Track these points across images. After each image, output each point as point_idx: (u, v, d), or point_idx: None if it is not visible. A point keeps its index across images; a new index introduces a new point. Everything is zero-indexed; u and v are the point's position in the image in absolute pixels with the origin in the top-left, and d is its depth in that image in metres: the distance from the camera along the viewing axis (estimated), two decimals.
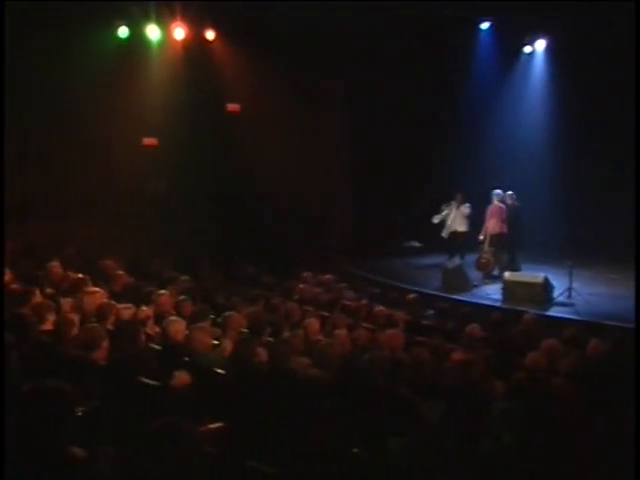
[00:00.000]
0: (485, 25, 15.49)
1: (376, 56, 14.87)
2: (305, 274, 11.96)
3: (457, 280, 13.12)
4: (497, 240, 13.84)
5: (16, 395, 3.23)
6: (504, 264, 13.73)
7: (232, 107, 15.00)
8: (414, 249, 16.63)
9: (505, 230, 13.89)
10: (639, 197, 13.33)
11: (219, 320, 7.45)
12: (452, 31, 14.69)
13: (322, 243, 15.48)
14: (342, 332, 7.48)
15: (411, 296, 11.04)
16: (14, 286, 7.33)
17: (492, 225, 13.91)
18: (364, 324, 8.68)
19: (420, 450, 4.07)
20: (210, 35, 14.40)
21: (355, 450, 3.96)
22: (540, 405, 4.59)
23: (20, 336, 5.20)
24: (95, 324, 6.10)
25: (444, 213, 14.64)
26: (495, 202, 14.00)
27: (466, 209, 14.51)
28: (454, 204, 14.60)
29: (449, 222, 14.69)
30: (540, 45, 15.97)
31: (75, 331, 5.80)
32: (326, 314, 9.10)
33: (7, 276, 7.78)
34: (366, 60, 14.93)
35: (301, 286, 10.97)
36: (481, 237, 14.07)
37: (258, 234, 14.66)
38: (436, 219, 14.66)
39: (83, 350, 5.55)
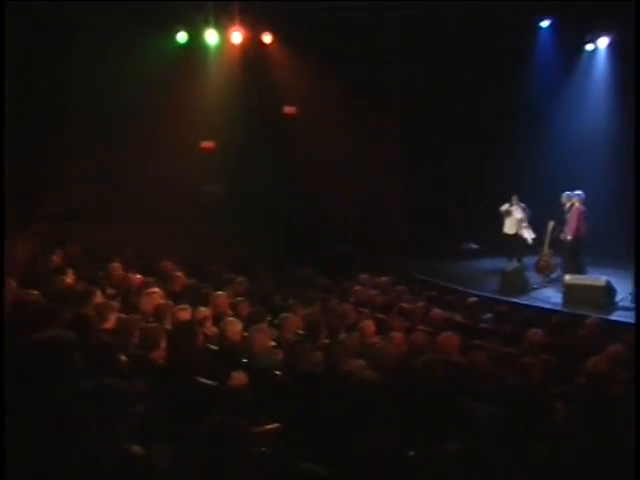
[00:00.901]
0: (545, 23, 15.21)
1: (434, 56, 14.76)
2: (361, 276, 11.94)
3: (516, 283, 12.93)
4: (573, 243, 13.41)
5: (78, 393, 3.30)
6: (569, 267, 13.31)
7: (289, 110, 15.07)
8: (472, 251, 16.45)
9: (584, 232, 13.44)
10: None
11: (275, 322, 7.49)
12: (512, 30, 14.48)
13: (378, 245, 15.42)
14: (398, 335, 7.44)
15: (469, 299, 10.92)
16: (77, 286, 7.49)
17: (573, 227, 13.43)
18: (420, 327, 8.62)
19: (477, 455, 4.02)
20: (267, 38, 14.50)
21: (411, 453, 3.94)
22: (601, 411, 4.49)
23: (82, 335, 5.31)
24: (154, 324, 6.20)
25: (505, 209, 14.50)
26: (576, 204, 13.51)
27: (521, 211, 14.28)
28: (512, 205, 14.40)
29: (508, 224, 14.50)
30: (603, 43, 15.57)
31: (135, 331, 5.89)
32: (382, 316, 9.06)
33: (70, 277, 7.96)
34: (424, 60, 14.84)
35: (357, 288, 10.95)
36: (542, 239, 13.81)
37: (314, 236, 14.69)
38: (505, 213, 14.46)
39: (142, 350, 5.65)
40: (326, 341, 7.07)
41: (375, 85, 15.37)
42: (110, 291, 8.10)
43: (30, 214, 11.98)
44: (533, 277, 13.45)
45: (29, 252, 9.22)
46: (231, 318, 7.15)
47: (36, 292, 6.04)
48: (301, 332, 7.20)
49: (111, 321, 6.27)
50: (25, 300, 5.72)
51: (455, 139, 15.95)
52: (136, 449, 3.28)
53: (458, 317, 9.54)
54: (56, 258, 8.93)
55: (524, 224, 14.50)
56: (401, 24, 13.92)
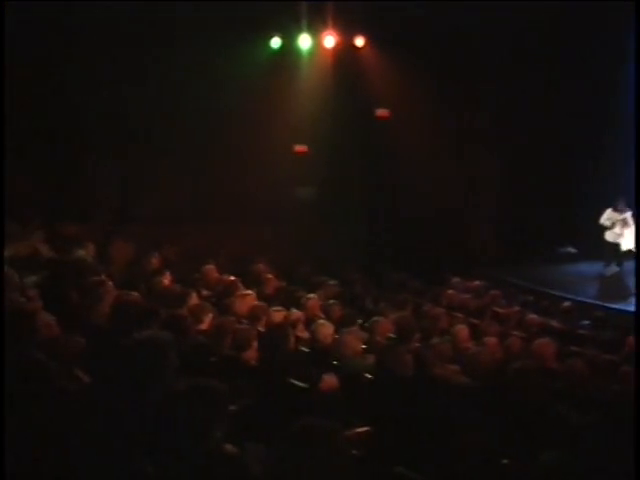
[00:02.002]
0: None
1: (528, 57, 14.45)
2: (454, 280, 11.80)
3: (615, 288, 12.49)
4: None
5: (173, 392, 3.38)
6: None
7: (381, 112, 15.04)
8: (569, 255, 15.97)
9: None
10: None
11: (366, 325, 7.48)
12: (611, 31, 14.05)
13: (472, 248, 15.21)
14: (492, 340, 7.31)
15: (565, 304, 10.64)
16: (173, 288, 7.68)
17: None
18: (515, 332, 8.44)
19: (573, 466, 3.90)
20: (359, 42, 14.52)
21: (504, 462, 3.86)
22: None
23: (178, 336, 5.44)
24: (247, 326, 6.29)
25: (607, 217, 13.88)
26: None
27: (629, 216, 13.70)
28: (616, 209, 13.82)
29: (610, 228, 13.95)
30: None
31: (228, 332, 5.99)
32: (475, 321, 8.93)
33: (167, 278, 8.17)
34: (519, 61, 14.54)
35: (450, 292, 10.82)
36: None
37: (406, 239, 14.61)
38: (606, 221, 13.86)
39: (235, 351, 5.74)
40: (418, 345, 7.02)
41: (469, 86, 15.17)
42: (205, 293, 8.27)
43: (128, 217, 12.37)
44: (634, 283, 12.94)
45: (127, 254, 9.50)
46: (322, 321, 7.18)
47: (135, 293, 6.21)
48: (392, 336, 7.17)
49: (206, 322, 6.40)
50: (124, 301, 5.90)
51: (552, 139, 15.54)
52: (230, 448, 3.34)
53: (554, 323, 9.29)
54: (154, 260, 9.17)
55: (628, 231, 13.90)
56: (495, 26, 13.67)
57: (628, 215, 13.78)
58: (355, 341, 6.49)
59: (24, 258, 7.84)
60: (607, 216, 13.93)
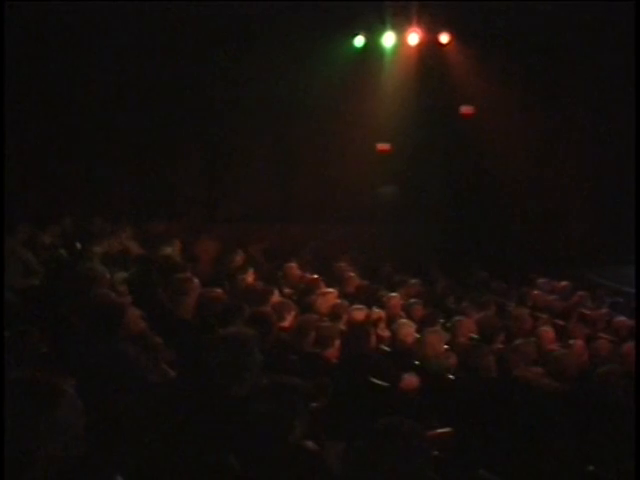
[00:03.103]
0: None
1: (623, 50, 13.98)
2: (539, 280, 11.55)
3: None
4: None
5: (257, 388, 3.43)
6: None
7: (466, 110, 14.84)
8: None
9: None
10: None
11: (448, 325, 7.41)
12: None
13: (558, 248, 14.85)
14: (579, 342, 7.15)
15: None
16: (256, 285, 7.78)
17: None
18: (603, 335, 8.21)
19: None
20: (444, 38, 14.37)
21: (590, 468, 3.77)
22: None
23: (261, 333, 5.52)
24: (328, 324, 6.33)
25: None
26: None
27: None
28: None
29: None
30: None
31: (310, 330, 6.04)
32: (561, 323, 8.72)
33: (250, 276, 8.28)
34: (611, 54, 14.09)
35: (535, 293, 10.60)
36: None
37: (490, 238, 14.39)
38: None
39: (317, 348, 5.78)
40: (501, 346, 6.91)
41: (557, 83, 14.81)
42: (287, 290, 8.35)
43: (215, 216, 12.62)
44: None
45: (213, 252, 9.69)
46: (404, 320, 7.16)
47: (219, 290, 6.33)
48: (475, 336, 7.08)
49: (288, 320, 6.46)
50: (209, 297, 6.03)
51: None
52: (310, 445, 3.37)
53: None
54: (238, 258, 9.32)
55: None
56: (583, 19, 13.30)
57: None
58: (438, 341, 6.43)
59: (114, 255, 8.11)
60: None
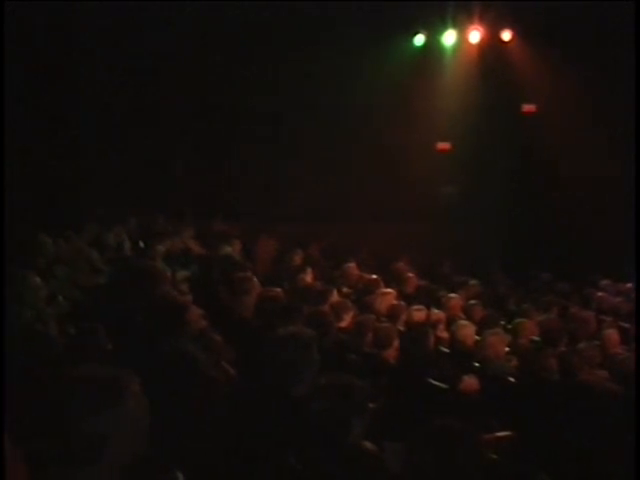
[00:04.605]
0: None
1: None
2: (604, 282, 11.30)
3: None
4: None
5: (316, 388, 3.45)
6: None
7: (528, 108, 14.64)
8: None
9: None
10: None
11: (509, 327, 7.32)
12: None
13: (625, 249, 14.49)
14: None
15: None
16: (315, 285, 7.81)
17: None
18: None
19: None
20: (506, 36, 14.19)
21: None
22: None
23: (319, 332, 5.54)
24: (387, 324, 6.32)
25: None
26: None
27: None
28: None
29: None
30: None
31: (369, 330, 6.04)
32: (626, 325, 8.52)
33: (309, 275, 8.33)
34: None
35: (599, 294, 10.38)
36: None
37: (553, 238, 14.15)
38: None
39: (375, 348, 5.78)
40: (564, 349, 6.79)
41: (622, 81, 14.44)
42: (345, 290, 8.36)
43: (274, 215, 12.71)
44: None
45: (272, 251, 9.77)
46: (464, 321, 7.09)
47: (278, 289, 6.38)
48: (536, 339, 6.97)
49: (346, 320, 6.47)
50: (268, 297, 6.08)
51: None
52: (369, 445, 3.37)
53: None
54: (296, 257, 9.37)
55: None
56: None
57: None
58: (499, 343, 6.36)
59: (176, 254, 8.25)
60: None
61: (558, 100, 14.04)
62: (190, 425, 3.03)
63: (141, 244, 8.80)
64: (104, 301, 5.43)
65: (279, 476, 3.02)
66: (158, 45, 12.05)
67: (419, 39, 14.12)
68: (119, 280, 6.04)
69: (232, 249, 9.05)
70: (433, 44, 14.22)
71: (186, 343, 4.20)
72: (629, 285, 11.26)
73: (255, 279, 6.12)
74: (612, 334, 7.46)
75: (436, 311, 7.58)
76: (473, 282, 9.88)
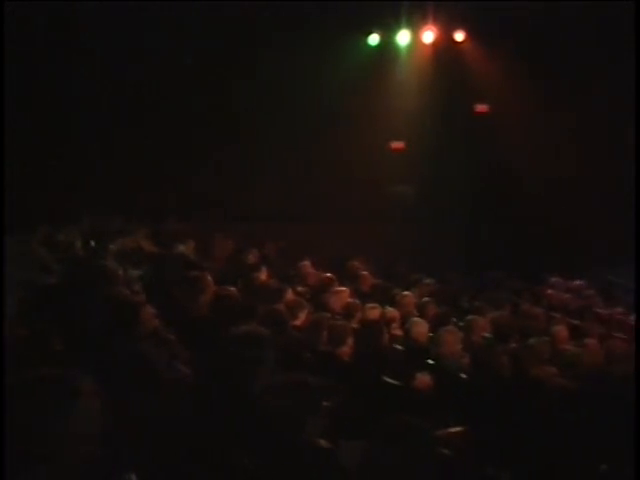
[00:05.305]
0: None
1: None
2: (554, 279, 11.52)
3: None
4: None
5: (270, 386, 3.45)
6: None
7: (480, 108, 14.82)
8: None
9: None
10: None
11: (462, 324, 7.40)
12: None
13: (574, 247, 14.77)
14: (593, 342, 7.12)
15: None
16: (270, 283, 7.80)
17: None
18: (618, 334, 8.18)
19: None
20: (459, 36, 14.34)
21: (603, 467, 3.76)
22: None
23: (274, 331, 5.54)
24: (342, 322, 6.34)
25: None
26: None
27: None
28: None
29: None
30: None
31: (324, 328, 6.05)
32: (576, 322, 8.70)
33: (263, 274, 8.31)
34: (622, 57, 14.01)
35: (549, 292, 10.58)
36: None
37: (506, 237, 14.35)
38: None
39: (331, 346, 5.79)
40: (515, 345, 6.90)
41: (574, 81, 14.71)
42: (301, 289, 8.36)
43: (228, 214, 12.65)
44: None
45: (227, 250, 9.72)
46: (417, 319, 7.16)
47: (232, 288, 6.35)
48: (488, 335, 7.07)
49: (301, 318, 6.47)
50: (223, 295, 6.05)
51: None
52: (324, 443, 3.38)
53: None
54: (251, 256, 9.35)
55: None
56: (600, 18, 13.23)
57: None
58: (452, 340, 6.42)
59: (129, 253, 8.15)
60: None
61: (511, 100, 14.25)
62: (144, 425, 3.01)
63: (92, 243, 8.67)
64: (56, 301, 5.35)
65: (234, 475, 3.01)
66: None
67: (373, 39, 14.17)
68: (71, 280, 5.96)
69: (186, 248, 8.98)
70: (388, 44, 14.29)
71: (139, 342, 4.17)
72: (577, 282, 11.49)
73: (209, 278, 6.08)
74: (561, 330, 7.60)
75: (390, 309, 7.63)
76: (427, 280, 9.98)
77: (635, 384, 4.99)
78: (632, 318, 9.14)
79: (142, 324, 4.57)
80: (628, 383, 5.45)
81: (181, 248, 8.87)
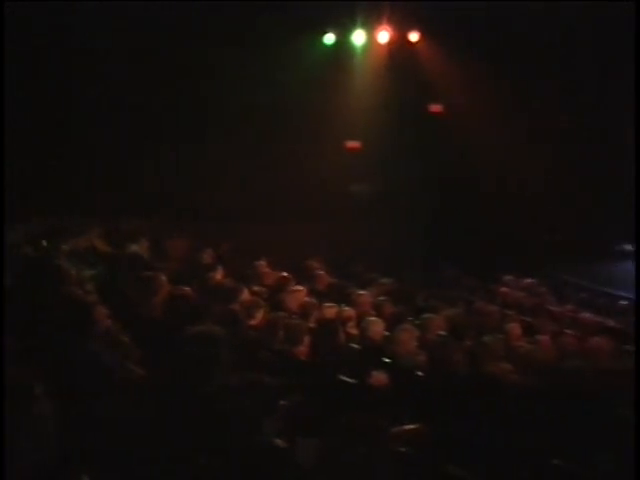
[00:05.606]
0: None
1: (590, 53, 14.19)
2: (507, 277, 11.67)
3: None
4: None
5: (225, 386, 3.42)
6: None
7: (435, 108, 14.96)
8: (626, 253, 15.62)
9: None
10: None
11: (417, 322, 7.45)
12: None
13: (526, 245, 15.00)
14: (545, 338, 7.23)
15: (622, 303, 10.43)
16: (225, 283, 7.75)
17: None
18: (569, 331, 8.32)
19: (631, 468, 3.83)
20: (414, 37, 14.45)
21: (555, 462, 3.81)
22: None
23: (230, 331, 5.50)
24: (298, 321, 6.33)
25: None
26: None
27: None
28: None
29: None
30: None
31: (280, 327, 6.03)
32: (529, 319, 8.82)
33: (219, 273, 8.25)
34: (578, 54, 14.27)
35: (503, 289, 10.72)
36: None
37: (461, 236, 14.49)
38: None
39: (287, 346, 5.78)
40: (470, 343, 6.96)
41: (526, 81, 14.93)
42: (257, 288, 8.32)
43: (183, 214, 12.55)
44: None
45: (182, 250, 9.64)
46: (373, 318, 7.18)
47: (187, 288, 6.30)
48: (444, 333, 7.12)
49: (257, 318, 6.44)
50: (178, 295, 5.99)
51: (614, 136, 15.24)
52: (280, 442, 3.37)
53: (610, 322, 9.13)
54: (207, 256, 9.28)
55: None
56: (550, 19, 13.46)
57: None
58: (409, 338, 6.46)
59: (81, 252, 8.02)
60: None
61: (465, 100, 14.41)
62: (98, 426, 2.96)
63: (44, 243, 8.51)
64: (7, 301, 5.24)
65: (190, 476, 2.98)
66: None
67: (329, 38, 14.20)
68: (22, 280, 5.84)
69: (139, 248, 8.88)
70: (343, 43, 14.34)
71: (92, 343, 4.10)
72: (530, 280, 11.67)
73: (163, 278, 6.02)
74: (515, 327, 7.70)
75: (347, 308, 7.63)
76: (383, 279, 10.02)
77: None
78: (582, 315, 9.30)
79: (95, 324, 4.50)
80: (580, 378, 5.54)
81: (134, 248, 8.76)
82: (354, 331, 7.11)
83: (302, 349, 5.75)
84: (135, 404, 3.39)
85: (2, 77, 9.75)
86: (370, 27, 14.22)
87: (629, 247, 15.63)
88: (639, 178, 12.76)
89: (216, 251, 9.81)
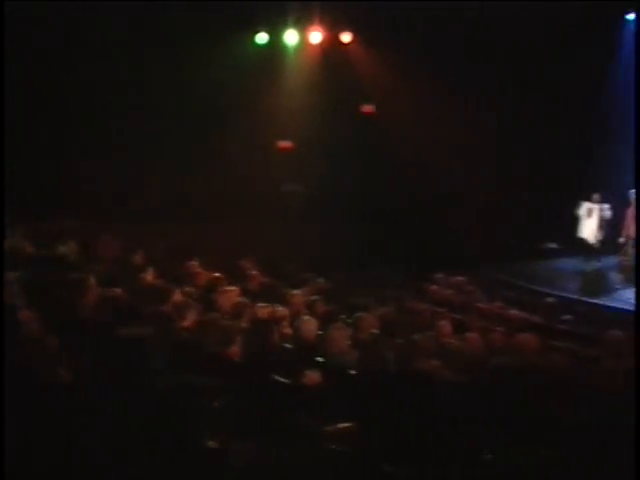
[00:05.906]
0: (631, 16, 14.78)
1: (517, 54, 14.51)
2: (437, 275, 11.84)
3: (596, 284, 12.62)
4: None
5: (157, 388, 3.39)
6: None
7: (367, 108, 15.08)
8: (551, 251, 16.05)
9: None
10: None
11: (349, 321, 7.50)
12: (598, 22, 14.20)
13: (455, 244, 15.26)
14: (474, 335, 7.36)
15: (547, 300, 10.70)
16: (156, 284, 7.65)
17: (634, 227, 13.19)
18: (497, 327, 8.50)
19: (559, 462, 3.94)
20: (346, 38, 14.55)
21: (488, 456, 3.89)
22: None
23: (161, 332, 5.43)
24: (229, 321, 6.29)
25: (585, 211, 14.16)
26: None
27: (606, 211, 13.91)
28: (593, 205, 14.06)
29: (588, 224, 14.15)
30: None
31: (212, 328, 5.99)
32: (458, 316, 8.98)
33: (150, 275, 8.14)
34: (508, 55, 14.58)
35: (433, 287, 10.87)
36: (621, 240, 13.45)
37: (392, 235, 14.64)
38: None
39: (219, 346, 5.74)
40: (401, 341, 7.04)
41: (456, 81, 15.17)
42: (188, 289, 8.24)
43: (113, 214, 12.34)
44: (615, 278, 13.05)
45: (112, 251, 9.48)
46: (306, 317, 7.19)
47: (118, 290, 6.20)
48: (376, 332, 7.19)
49: (189, 319, 6.38)
50: (108, 297, 5.90)
51: (536, 138, 15.61)
52: (212, 444, 3.35)
53: (536, 318, 9.36)
54: (137, 257, 9.15)
55: (600, 225, 14.13)
56: (480, 22, 13.73)
57: (600, 207, 14.01)
58: (341, 337, 6.50)
59: (5, 254, 7.79)
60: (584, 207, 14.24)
61: (397, 100, 14.56)
62: (27, 431, 2.89)
63: None
64: None
65: (123, 477, 2.94)
66: None
67: (261, 37, 14.16)
68: None
69: (67, 249, 8.68)
70: (276, 43, 14.33)
71: (18, 348, 4.00)
72: (460, 278, 11.86)
73: (92, 279, 5.92)
74: (445, 325, 7.82)
75: (280, 308, 7.63)
76: (316, 279, 10.05)
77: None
78: (510, 312, 9.51)
79: (20, 328, 4.39)
80: (509, 374, 5.67)
81: (62, 249, 8.57)
82: (287, 331, 7.11)
83: (235, 349, 5.72)
84: (63, 408, 3.32)
85: None
86: (302, 27, 14.25)
87: (553, 246, 16.08)
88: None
89: (147, 252, 9.68)
